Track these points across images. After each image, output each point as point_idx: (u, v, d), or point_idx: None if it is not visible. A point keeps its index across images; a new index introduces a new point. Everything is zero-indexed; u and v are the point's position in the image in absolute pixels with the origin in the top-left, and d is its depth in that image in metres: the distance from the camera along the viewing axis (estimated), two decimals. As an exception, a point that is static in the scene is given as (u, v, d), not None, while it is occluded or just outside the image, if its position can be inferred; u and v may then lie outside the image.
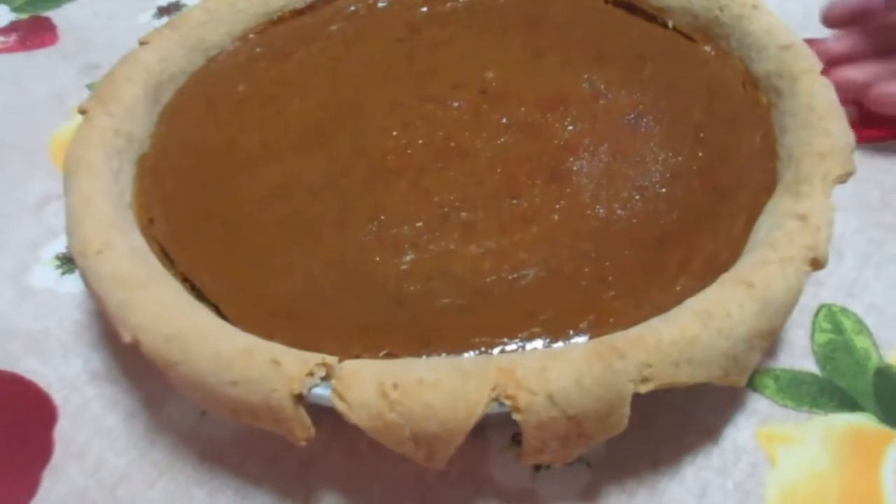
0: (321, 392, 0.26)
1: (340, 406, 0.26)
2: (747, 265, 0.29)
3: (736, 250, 0.31)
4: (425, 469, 0.30)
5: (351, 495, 0.30)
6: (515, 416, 0.25)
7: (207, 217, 0.36)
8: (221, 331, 0.28)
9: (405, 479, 0.31)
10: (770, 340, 0.28)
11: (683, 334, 0.26)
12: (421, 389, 0.25)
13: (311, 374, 0.26)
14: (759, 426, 0.31)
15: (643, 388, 0.26)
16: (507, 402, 0.25)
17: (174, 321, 0.28)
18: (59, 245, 0.42)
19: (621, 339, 0.26)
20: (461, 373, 0.26)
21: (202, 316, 0.29)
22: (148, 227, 0.35)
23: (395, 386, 0.25)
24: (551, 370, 0.25)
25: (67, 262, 0.41)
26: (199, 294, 0.32)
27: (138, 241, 0.33)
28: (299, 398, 0.26)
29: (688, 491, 0.30)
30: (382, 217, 0.35)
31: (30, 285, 0.40)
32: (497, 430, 0.32)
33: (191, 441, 0.32)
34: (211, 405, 0.28)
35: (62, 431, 0.34)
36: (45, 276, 0.40)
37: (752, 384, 0.33)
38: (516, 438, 0.32)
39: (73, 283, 0.40)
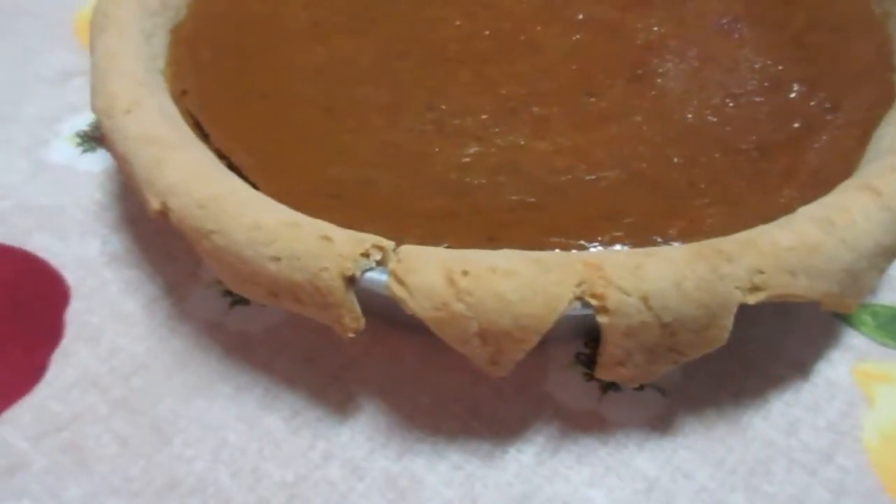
0: (376, 277, 0.23)
1: (399, 292, 0.22)
2: (872, 171, 0.25)
3: (851, 164, 0.27)
4: (477, 380, 0.27)
5: (394, 403, 0.27)
6: (601, 319, 0.22)
7: (246, 93, 0.32)
8: (263, 201, 0.24)
9: (455, 390, 0.27)
10: (891, 262, 0.25)
11: (803, 241, 0.23)
12: (494, 279, 0.22)
13: (366, 254, 0.23)
14: (855, 363, 0.28)
15: (752, 299, 0.22)
16: (593, 302, 0.22)
17: (210, 185, 0.24)
18: (81, 122, 0.38)
19: (728, 242, 0.23)
20: (541, 264, 0.22)
21: (241, 184, 0.25)
22: (181, 98, 0.31)
23: (465, 273, 0.22)
24: (648, 269, 0.22)
25: (89, 139, 0.37)
26: (235, 171, 0.29)
27: (170, 106, 0.29)
28: (351, 281, 0.23)
29: (774, 427, 0.26)
30: (442, 106, 0.31)
31: (46, 160, 0.36)
32: (559, 346, 0.29)
33: (217, 333, 0.29)
34: (246, 285, 0.24)
35: (74, 313, 0.30)
36: (64, 151, 0.37)
37: (846, 319, 0.29)
38: (580, 357, 0.28)
39: (94, 162, 0.36)
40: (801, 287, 0.22)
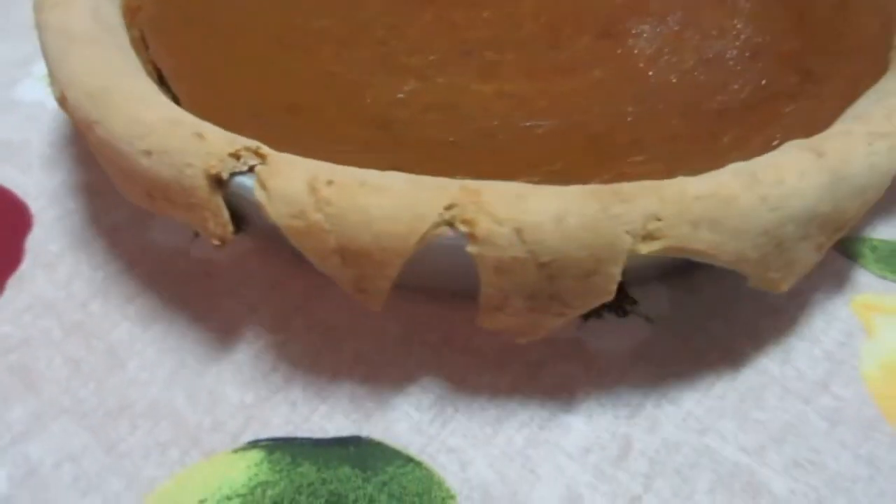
0: (246, 182, 0.21)
1: (259, 195, 0.21)
2: (823, 135, 0.22)
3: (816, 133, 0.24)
4: (452, 310, 0.26)
5: (362, 330, 0.26)
6: (470, 249, 0.20)
7: (201, 17, 0.31)
8: (155, 99, 0.23)
9: (427, 319, 0.26)
10: (833, 238, 0.21)
11: (714, 191, 0.20)
12: (359, 191, 0.20)
13: (237, 156, 0.21)
14: (853, 295, 0.26)
15: (644, 248, 0.19)
16: (462, 228, 0.20)
17: (105, 77, 0.24)
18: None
19: (631, 185, 0.20)
20: (415, 184, 0.20)
21: (141, 82, 0.24)
22: (135, 12, 0.31)
23: (330, 182, 0.20)
24: (529, 200, 0.20)
25: (63, 70, 0.37)
26: (164, 86, 0.28)
27: (112, 12, 0.29)
28: (218, 182, 0.21)
29: (767, 355, 0.25)
30: (394, 42, 0.30)
31: (15, 97, 0.36)
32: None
33: (180, 261, 0.28)
34: (127, 184, 0.23)
35: (34, 240, 0.30)
36: (35, 89, 0.36)
37: (845, 253, 0.27)
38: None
39: (65, 98, 0.36)
40: (704, 242, 0.19)
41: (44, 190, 0.32)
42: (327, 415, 0.24)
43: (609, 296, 0.20)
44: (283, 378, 0.25)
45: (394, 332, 0.26)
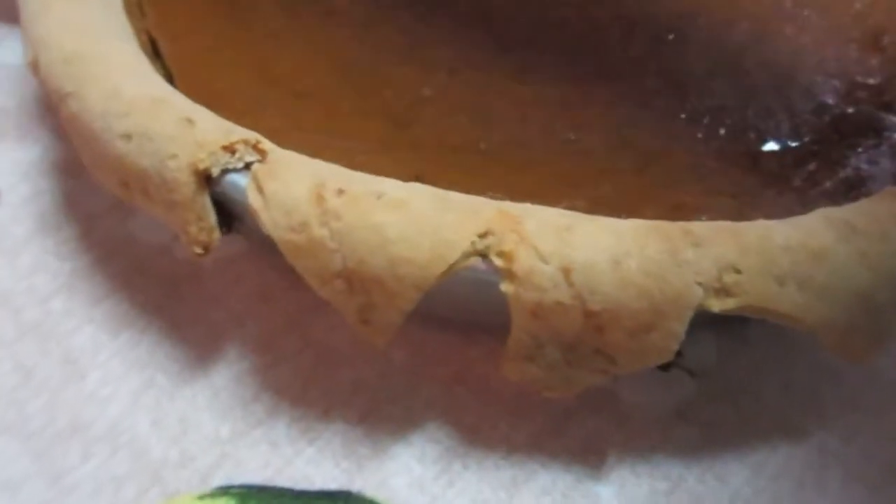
0: (240, 181, 0.18)
1: (254, 200, 0.17)
2: (930, 182, 0.19)
3: (904, 175, 0.21)
4: (469, 341, 0.22)
5: (362, 357, 0.22)
6: (505, 288, 0.16)
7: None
8: (141, 71, 0.20)
9: (439, 349, 0.22)
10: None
11: (805, 242, 0.16)
12: (375, 206, 0.16)
13: (231, 149, 0.18)
14: None
15: (717, 304, 0.16)
16: (498, 262, 0.16)
17: (85, 41, 0.20)
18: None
19: (703, 226, 0.17)
20: (443, 203, 0.17)
21: (128, 50, 0.21)
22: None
23: (341, 192, 0.17)
24: (580, 233, 0.16)
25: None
26: (159, 60, 0.24)
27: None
28: (205, 179, 0.18)
29: (829, 431, 0.21)
30: (421, 30, 0.26)
31: None
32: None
33: (162, 259, 0.24)
34: (99, 169, 0.20)
35: None
36: (19, 49, 0.32)
37: None
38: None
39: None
40: (790, 303, 0.16)
41: (16, 165, 0.28)
42: (314, 460, 0.20)
43: (667, 356, 0.17)
44: (265, 409, 0.21)
45: (400, 361, 0.22)
